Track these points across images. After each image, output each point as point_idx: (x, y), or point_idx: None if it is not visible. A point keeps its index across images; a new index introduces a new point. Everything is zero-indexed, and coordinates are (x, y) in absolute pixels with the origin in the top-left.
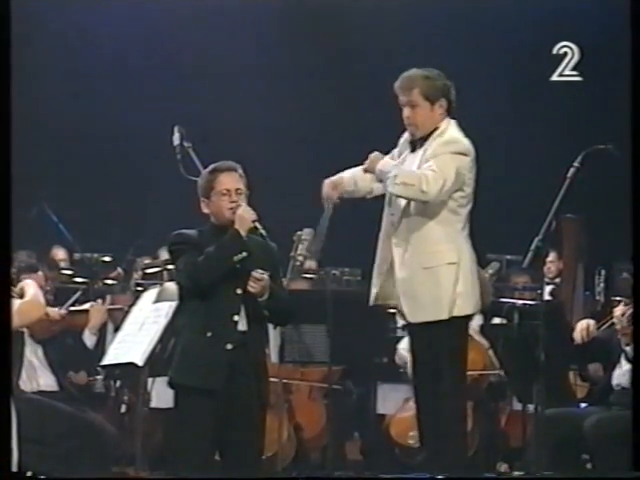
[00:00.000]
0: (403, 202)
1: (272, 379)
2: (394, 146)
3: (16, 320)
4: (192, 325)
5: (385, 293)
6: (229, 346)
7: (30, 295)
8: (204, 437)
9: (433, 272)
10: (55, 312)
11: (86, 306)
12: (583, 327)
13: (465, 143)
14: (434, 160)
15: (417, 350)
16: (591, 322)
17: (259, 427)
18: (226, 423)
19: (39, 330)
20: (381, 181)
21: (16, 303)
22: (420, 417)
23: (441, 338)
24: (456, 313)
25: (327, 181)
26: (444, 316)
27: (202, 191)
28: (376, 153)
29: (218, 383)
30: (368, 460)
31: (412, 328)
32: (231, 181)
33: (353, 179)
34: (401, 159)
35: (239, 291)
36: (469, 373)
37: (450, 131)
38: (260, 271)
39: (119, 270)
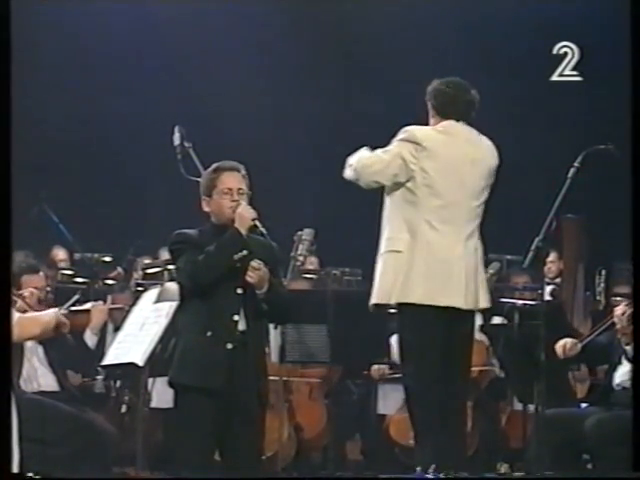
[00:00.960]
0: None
1: (272, 378)
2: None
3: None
4: (192, 325)
5: None
6: (229, 346)
7: (36, 313)
8: (204, 437)
9: (381, 258)
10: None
11: (87, 306)
12: (560, 344)
13: (415, 132)
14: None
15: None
16: (569, 341)
17: (259, 427)
18: (226, 423)
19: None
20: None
21: (16, 316)
22: (407, 410)
23: (399, 324)
24: (394, 300)
25: None
26: (384, 300)
27: (204, 189)
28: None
29: (218, 383)
30: (368, 460)
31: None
32: (233, 180)
33: None
34: None
35: (239, 291)
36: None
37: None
38: (258, 261)
39: (119, 270)
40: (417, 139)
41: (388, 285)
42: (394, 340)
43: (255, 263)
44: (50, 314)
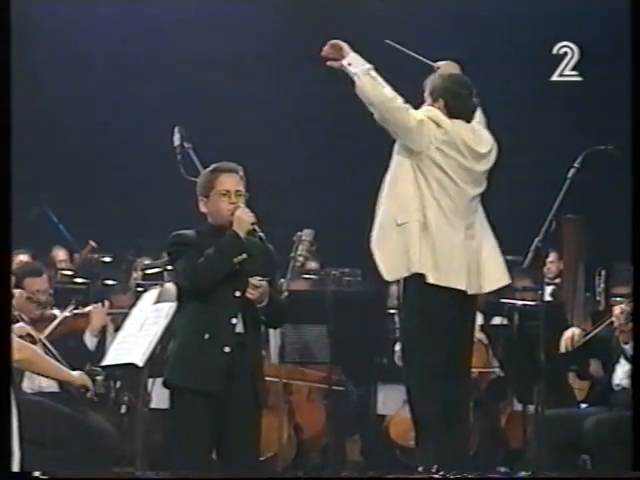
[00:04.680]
0: (392, 163)
1: (272, 379)
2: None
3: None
4: (190, 327)
5: None
6: (227, 349)
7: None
8: (199, 438)
9: (404, 228)
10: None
11: (87, 309)
12: (568, 336)
13: (440, 116)
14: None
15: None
16: (577, 332)
17: (255, 428)
18: (222, 425)
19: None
20: (349, 64)
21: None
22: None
23: (408, 297)
24: (415, 269)
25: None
26: (407, 273)
27: (201, 190)
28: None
29: (215, 385)
30: (368, 461)
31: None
32: (231, 182)
33: None
34: None
35: (237, 294)
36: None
37: None
38: (258, 278)
39: (106, 259)
40: (443, 123)
41: (414, 254)
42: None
43: (256, 281)
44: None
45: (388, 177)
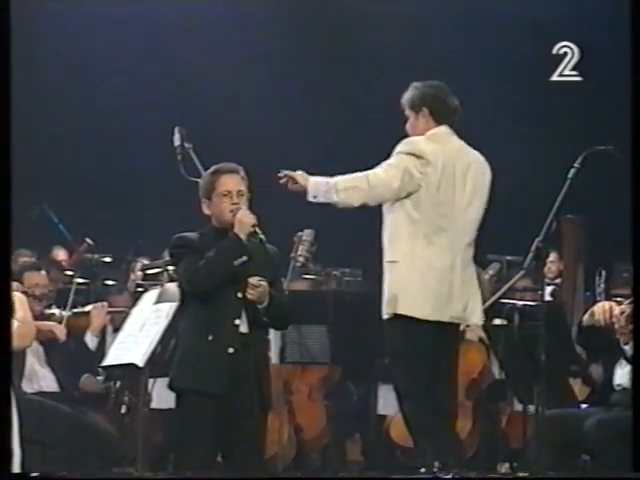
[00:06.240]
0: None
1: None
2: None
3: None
4: (193, 329)
5: None
6: (231, 350)
7: (19, 318)
8: (206, 440)
9: (386, 267)
10: (60, 329)
11: (88, 308)
12: (606, 309)
13: (420, 145)
14: (387, 161)
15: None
16: (614, 304)
17: (260, 429)
18: (227, 426)
19: (41, 333)
20: (315, 197)
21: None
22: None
23: (390, 337)
24: (400, 311)
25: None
26: (388, 312)
27: (203, 192)
28: (300, 172)
29: (221, 387)
30: (368, 461)
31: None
32: (233, 183)
33: None
34: None
35: (240, 294)
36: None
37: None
38: (257, 278)
39: (106, 259)
40: (423, 153)
41: (391, 296)
42: None
43: (254, 280)
44: (27, 316)
45: (385, 216)
